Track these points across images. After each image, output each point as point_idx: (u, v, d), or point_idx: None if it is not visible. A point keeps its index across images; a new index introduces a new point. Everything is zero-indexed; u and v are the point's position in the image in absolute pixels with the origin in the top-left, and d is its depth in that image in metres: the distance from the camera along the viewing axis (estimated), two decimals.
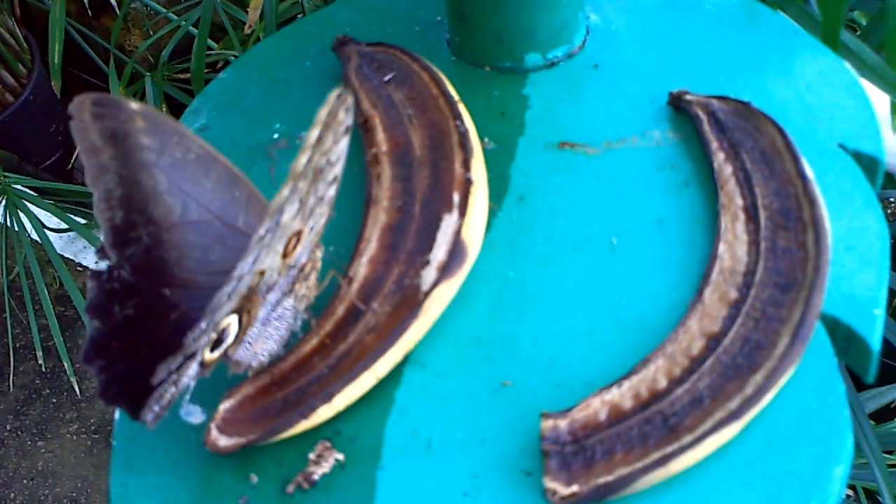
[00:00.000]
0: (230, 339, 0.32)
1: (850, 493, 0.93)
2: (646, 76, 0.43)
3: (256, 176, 0.41)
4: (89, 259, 1.34)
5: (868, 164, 0.38)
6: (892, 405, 0.85)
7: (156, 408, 0.31)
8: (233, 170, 0.35)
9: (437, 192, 0.37)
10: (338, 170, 0.31)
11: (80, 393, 1.24)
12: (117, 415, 0.35)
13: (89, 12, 1.45)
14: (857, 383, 0.33)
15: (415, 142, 0.39)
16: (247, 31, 0.88)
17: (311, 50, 0.46)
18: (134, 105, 0.33)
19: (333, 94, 0.29)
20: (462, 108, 0.40)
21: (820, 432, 0.31)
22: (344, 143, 0.30)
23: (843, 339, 0.34)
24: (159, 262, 0.33)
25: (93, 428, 1.23)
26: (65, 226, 1.08)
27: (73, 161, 1.46)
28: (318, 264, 0.34)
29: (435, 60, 0.43)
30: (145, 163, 0.33)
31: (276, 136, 0.43)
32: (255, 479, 0.32)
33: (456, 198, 0.36)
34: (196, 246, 0.33)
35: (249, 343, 0.33)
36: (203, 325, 0.30)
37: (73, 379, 1.15)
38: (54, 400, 1.25)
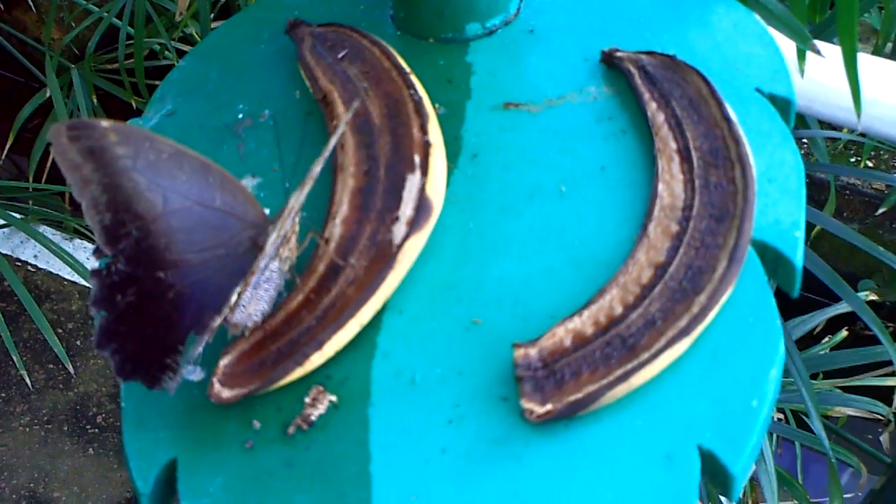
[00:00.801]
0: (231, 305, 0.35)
1: (780, 416, 0.99)
2: (578, 37, 0.46)
3: (227, 154, 0.44)
4: (27, 253, 1.35)
5: (782, 105, 0.43)
6: (815, 332, 0.91)
7: (176, 376, 0.35)
8: (203, 159, 0.39)
9: (399, 155, 0.40)
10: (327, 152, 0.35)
11: (31, 385, 1.25)
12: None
13: (1, 6, 1.45)
14: (783, 313, 0.37)
15: (373, 112, 0.43)
16: (178, 18, 0.90)
17: (265, 34, 0.49)
18: (104, 123, 0.37)
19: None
20: (414, 78, 0.43)
21: (756, 341, 0.35)
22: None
23: (772, 259, 0.38)
24: (150, 250, 0.37)
25: (45, 419, 1.24)
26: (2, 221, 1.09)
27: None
28: (297, 228, 0.38)
29: (382, 36, 0.47)
30: (123, 169, 0.37)
31: (240, 115, 0.46)
32: (257, 424, 0.36)
33: (417, 159, 0.40)
34: (181, 230, 0.37)
35: (244, 306, 0.36)
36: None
37: (22, 372, 1.16)
38: (3, 394, 1.26)
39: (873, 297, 1.15)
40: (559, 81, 0.45)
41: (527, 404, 0.34)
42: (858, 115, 0.53)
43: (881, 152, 1.57)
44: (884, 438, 1.07)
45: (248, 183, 0.43)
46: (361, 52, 0.45)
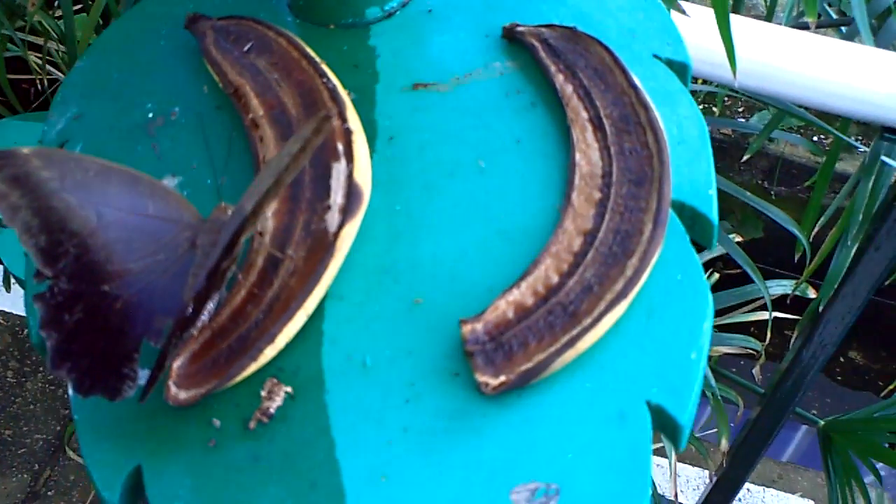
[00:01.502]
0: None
1: None
2: (476, 14, 0.47)
3: (142, 154, 0.44)
4: None
5: (679, 69, 0.45)
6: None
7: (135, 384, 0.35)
8: (129, 171, 0.39)
9: (322, 145, 0.41)
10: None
11: None
12: (71, 391, 0.37)
13: None
14: None
15: (287, 102, 0.43)
16: (30, 7, 0.87)
17: (163, 29, 0.49)
18: (25, 150, 0.38)
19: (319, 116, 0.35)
20: (325, 66, 0.44)
21: (687, 297, 0.37)
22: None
23: (689, 217, 0.40)
24: (91, 265, 0.37)
25: None
26: None
27: None
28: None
29: (281, 25, 0.47)
30: (52, 191, 0.37)
31: (150, 115, 0.45)
32: (217, 422, 0.36)
33: (340, 147, 0.40)
34: (119, 241, 0.37)
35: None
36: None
37: None
38: None
39: (738, 238, 1.21)
40: (464, 59, 0.46)
41: (481, 377, 0.35)
42: (734, 71, 0.56)
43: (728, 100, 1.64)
44: (756, 371, 1.13)
45: (169, 182, 0.43)
46: (268, 44, 0.45)
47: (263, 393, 0.36)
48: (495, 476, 0.34)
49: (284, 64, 0.44)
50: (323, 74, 0.43)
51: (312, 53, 0.44)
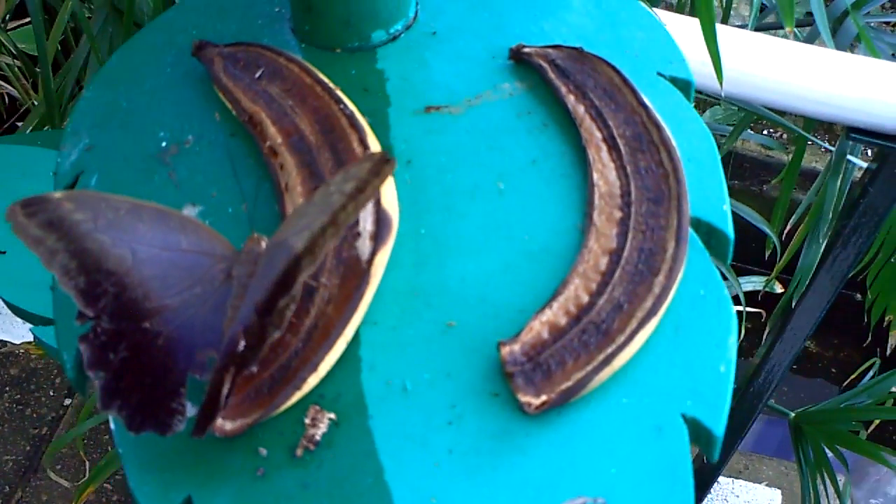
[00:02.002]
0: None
1: None
2: (480, 36, 0.48)
3: (160, 184, 0.44)
4: None
5: (683, 86, 0.46)
6: None
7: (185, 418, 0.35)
8: (159, 208, 0.40)
9: None
10: None
11: None
12: (113, 424, 0.38)
13: None
14: None
15: (304, 129, 0.44)
16: None
17: (168, 57, 0.49)
18: (57, 194, 0.38)
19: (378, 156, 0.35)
20: (340, 92, 0.44)
21: (711, 311, 0.39)
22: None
23: (705, 233, 0.42)
24: (130, 303, 0.37)
25: None
26: None
27: None
28: None
29: (286, 49, 0.47)
30: (85, 233, 0.38)
31: (164, 143, 0.46)
32: (264, 451, 0.37)
33: None
34: (155, 277, 0.38)
35: None
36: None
37: None
38: None
39: None
40: (473, 81, 0.47)
41: (523, 398, 0.36)
42: (720, 81, 0.57)
43: None
44: None
45: (190, 211, 0.43)
46: (279, 71, 0.46)
47: (307, 420, 0.37)
48: (543, 493, 0.35)
49: (298, 90, 0.45)
50: (339, 101, 0.44)
51: (326, 79, 0.45)
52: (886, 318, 1.18)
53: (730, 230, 0.41)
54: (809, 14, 0.86)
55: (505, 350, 0.37)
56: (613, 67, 0.45)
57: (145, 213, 0.39)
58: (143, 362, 0.36)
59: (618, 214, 0.41)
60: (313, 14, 0.48)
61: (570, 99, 0.45)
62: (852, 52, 0.88)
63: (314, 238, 0.34)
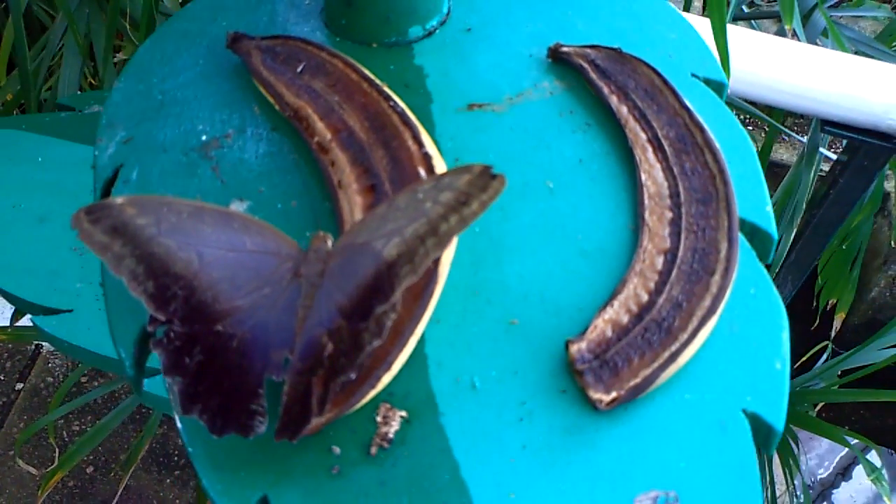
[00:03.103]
0: None
1: None
2: (515, 33, 0.49)
3: (203, 178, 0.44)
4: None
5: (716, 87, 0.48)
6: None
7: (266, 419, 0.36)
8: (221, 209, 0.40)
9: (400, 169, 0.42)
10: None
11: None
12: (180, 425, 0.38)
13: None
14: None
15: (353, 126, 0.44)
16: None
17: (200, 48, 0.49)
18: (119, 200, 0.38)
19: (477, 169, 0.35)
20: (388, 89, 0.45)
21: (763, 309, 0.40)
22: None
23: (748, 233, 0.43)
24: (201, 306, 0.37)
25: None
26: None
27: None
28: None
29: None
30: (150, 237, 0.38)
31: (203, 137, 0.45)
32: (337, 450, 0.37)
33: (422, 172, 0.41)
34: (223, 279, 0.38)
35: None
36: None
37: None
38: None
39: None
40: (513, 79, 0.47)
41: (594, 394, 0.37)
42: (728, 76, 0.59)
43: None
44: None
45: (238, 207, 0.43)
46: (322, 66, 0.46)
47: (379, 418, 0.38)
48: (617, 487, 0.36)
49: (344, 86, 0.45)
50: (388, 98, 0.44)
51: (372, 76, 0.45)
52: (829, 302, 1.22)
53: (774, 230, 0.43)
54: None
55: (573, 348, 0.38)
56: (653, 69, 0.46)
57: (207, 216, 0.39)
58: (219, 365, 0.37)
59: (668, 215, 0.42)
60: (352, 9, 0.48)
61: (613, 100, 0.46)
62: (819, 44, 0.90)
63: (411, 246, 0.35)
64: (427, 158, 0.42)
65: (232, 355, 0.37)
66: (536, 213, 0.43)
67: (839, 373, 1.03)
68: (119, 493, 1.13)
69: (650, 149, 0.44)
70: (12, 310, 1.32)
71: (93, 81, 0.93)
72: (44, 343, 1.30)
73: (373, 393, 0.37)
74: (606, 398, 0.37)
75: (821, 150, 0.84)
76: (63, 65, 0.83)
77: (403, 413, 0.38)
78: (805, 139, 0.86)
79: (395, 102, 0.44)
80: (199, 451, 0.37)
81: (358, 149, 0.43)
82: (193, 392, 0.36)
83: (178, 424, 0.38)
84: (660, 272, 0.40)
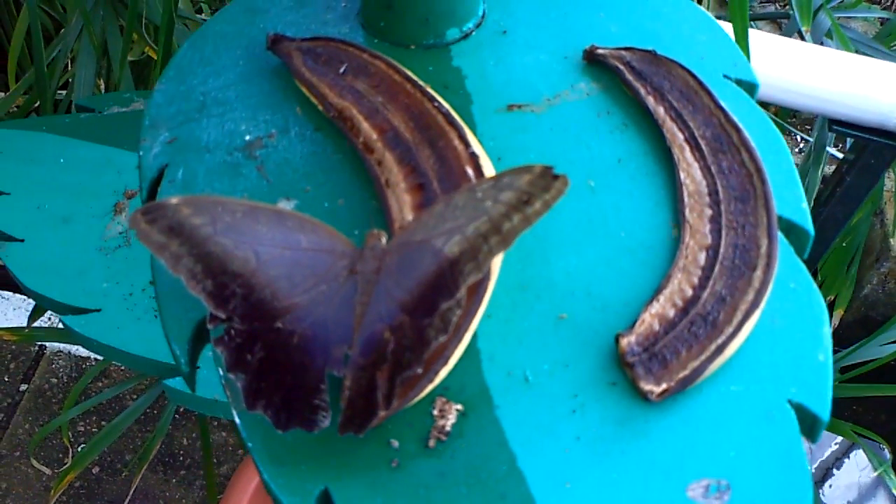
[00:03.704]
0: None
1: None
2: (550, 35, 0.50)
3: (249, 178, 0.45)
4: None
5: (748, 88, 0.49)
6: None
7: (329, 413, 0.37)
8: (275, 208, 0.41)
9: (447, 168, 0.43)
10: None
11: None
12: (238, 419, 0.39)
13: None
14: None
15: (398, 126, 0.45)
16: None
17: (239, 49, 0.49)
18: (174, 200, 0.39)
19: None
20: (431, 90, 0.46)
21: (803, 303, 0.42)
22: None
23: (784, 229, 0.44)
24: (260, 304, 0.38)
25: None
26: None
27: None
28: None
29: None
30: (206, 236, 0.39)
31: (247, 137, 0.46)
32: (395, 443, 0.38)
33: (470, 171, 0.42)
34: (280, 277, 0.39)
35: None
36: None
37: None
38: None
39: None
40: (550, 80, 0.48)
41: (646, 386, 0.38)
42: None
43: None
44: None
45: (285, 206, 0.44)
46: (364, 67, 0.47)
47: (435, 412, 0.39)
48: (669, 475, 0.37)
49: (387, 87, 0.46)
50: (432, 98, 0.45)
51: (414, 76, 0.46)
52: (828, 299, 1.24)
53: (810, 226, 0.44)
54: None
55: (624, 341, 0.39)
56: (688, 70, 0.47)
57: (262, 215, 0.40)
58: (280, 361, 0.37)
59: (708, 212, 0.43)
60: (392, 11, 0.49)
61: (650, 100, 0.47)
62: (823, 44, 0.92)
63: (473, 244, 0.36)
64: (474, 158, 0.43)
65: (293, 352, 0.38)
66: (579, 210, 0.44)
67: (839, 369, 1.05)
68: (131, 493, 1.13)
69: (687, 148, 0.45)
70: (28, 311, 1.32)
71: (98, 83, 0.93)
72: (47, 344, 1.30)
73: (430, 387, 0.38)
74: (657, 389, 0.38)
75: (828, 148, 0.85)
76: (78, 66, 0.84)
77: (459, 406, 0.39)
78: (809, 138, 0.88)
79: (439, 103, 0.45)
80: (258, 445, 0.38)
81: (404, 148, 0.44)
82: (257, 388, 0.37)
83: (237, 420, 0.39)
84: (702, 268, 0.42)
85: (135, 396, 1.25)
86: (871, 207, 1.02)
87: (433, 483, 0.37)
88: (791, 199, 0.44)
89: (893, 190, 1.34)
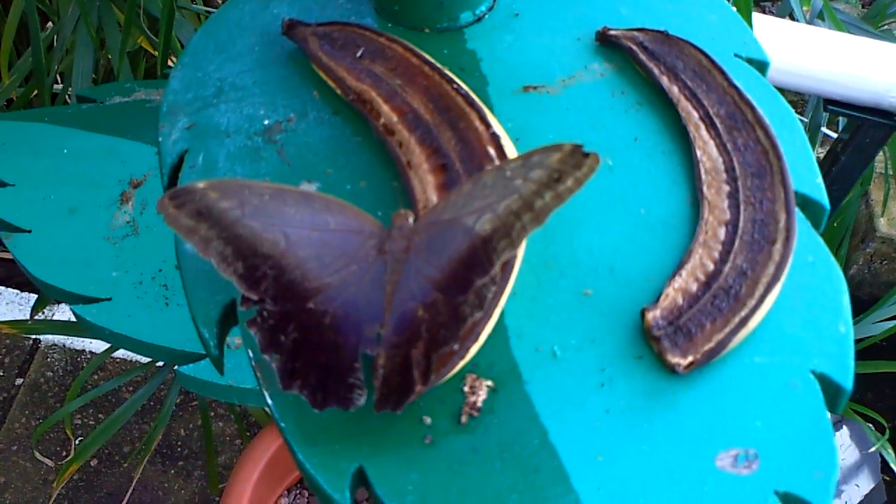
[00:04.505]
0: None
1: None
2: (562, 18, 0.51)
3: (269, 161, 0.46)
4: None
5: (759, 66, 0.49)
6: None
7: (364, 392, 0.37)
8: (301, 190, 0.41)
9: (470, 149, 0.43)
10: None
11: None
12: (270, 401, 0.39)
13: None
14: None
15: (418, 108, 0.45)
16: None
17: (253, 35, 0.50)
18: (200, 184, 0.39)
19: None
20: (450, 72, 0.46)
21: (822, 276, 0.42)
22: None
23: (800, 204, 0.45)
24: (291, 285, 0.39)
25: None
26: None
27: None
28: None
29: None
30: (235, 219, 0.39)
31: (266, 121, 0.47)
32: (428, 420, 0.38)
33: (492, 151, 0.43)
34: (310, 258, 0.39)
35: None
36: None
37: None
38: None
39: None
40: (564, 61, 0.49)
41: (673, 359, 0.39)
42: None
43: None
44: None
45: (307, 188, 0.44)
46: (381, 50, 0.47)
47: (466, 388, 0.39)
48: (698, 446, 0.38)
49: (404, 70, 0.47)
50: (451, 80, 0.46)
51: (432, 59, 0.47)
52: None
53: (826, 201, 0.45)
54: None
55: (649, 316, 0.40)
56: (700, 50, 0.48)
57: (289, 197, 0.40)
58: (314, 341, 0.38)
59: (726, 188, 0.44)
60: None
61: (664, 80, 0.47)
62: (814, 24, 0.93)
63: (506, 221, 0.36)
64: (495, 138, 0.43)
65: (326, 331, 0.38)
66: (599, 189, 0.45)
67: None
68: (134, 485, 1.13)
69: (703, 126, 0.46)
70: (21, 306, 1.32)
71: (94, 76, 0.93)
72: (41, 338, 1.30)
73: (461, 363, 0.39)
74: (684, 362, 0.39)
75: (822, 129, 0.86)
76: (76, 57, 0.84)
77: (490, 382, 0.39)
78: (804, 119, 0.89)
79: (458, 85, 0.45)
80: (291, 426, 0.39)
81: (425, 130, 0.44)
82: (292, 368, 0.37)
83: (269, 402, 0.39)
84: (722, 242, 0.42)
85: (130, 388, 1.26)
86: (863, 188, 1.03)
87: (467, 458, 0.38)
88: (806, 174, 0.45)
89: (881, 171, 1.35)
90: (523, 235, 0.36)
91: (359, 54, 0.47)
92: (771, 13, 1.08)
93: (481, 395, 0.39)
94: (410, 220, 0.40)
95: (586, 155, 0.36)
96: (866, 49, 0.80)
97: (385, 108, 0.45)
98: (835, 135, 0.87)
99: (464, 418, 0.39)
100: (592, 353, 0.40)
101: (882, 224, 1.47)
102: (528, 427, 0.38)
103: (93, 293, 0.65)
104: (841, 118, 0.89)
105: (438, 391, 0.39)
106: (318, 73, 0.48)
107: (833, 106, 0.82)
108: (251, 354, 0.40)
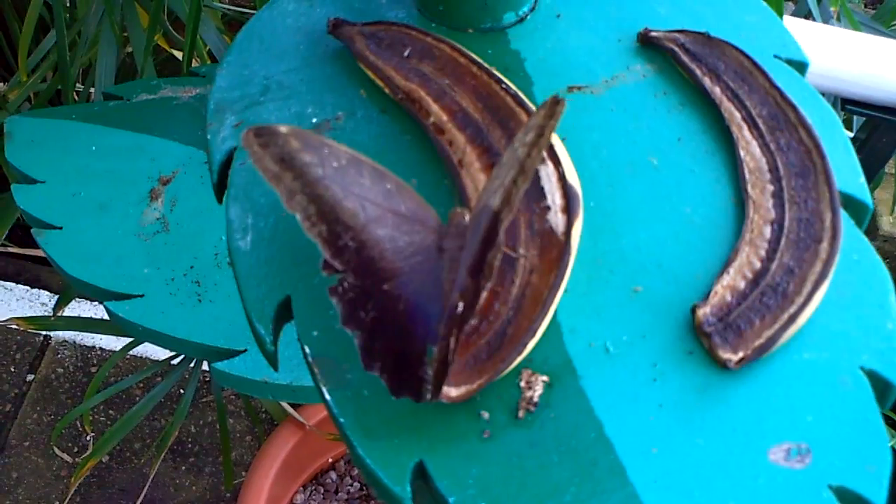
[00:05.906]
0: None
1: None
2: (602, 18, 0.51)
3: None
4: None
5: (798, 67, 0.50)
6: None
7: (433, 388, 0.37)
8: (377, 166, 0.40)
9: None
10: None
11: None
12: (328, 396, 0.40)
13: None
14: None
15: (468, 107, 0.46)
16: None
17: (298, 35, 0.50)
18: (283, 128, 0.38)
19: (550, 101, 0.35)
20: (497, 72, 0.47)
21: (867, 274, 0.43)
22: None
23: (843, 203, 0.46)
24: (369, 262, 0.38)
25: None
26: None
27: None
28: None
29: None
30: (317, 177, 0.38)
31: (314, 119, 0.47)
32: (486, 415, 0.39)
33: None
34: (385, 238, 0.39)
35: None
36: None
37: None
38: None
39: None
40: (606, 62, 0.50)
41: (724, 354, 0.40)
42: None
43: None
44: None
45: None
46: (429, 50, 0.48)
47: (522, 384, 0.40)
48: (751, 439, 0.39)
49: (452, 70, 0.47)
50: (500, 80, 0.46)
51: (479, 59, 0.47)
52: None
53: (869, 200, 0.45)
54: None
55: (700, 312, 0.41)
56: (741, 51, 0.48)
57: (365, 169, 0.39)
58: (390, 325, 0.38)
59: (770, 188, 0.45)
60: None
61: (706, 81, 0.48)
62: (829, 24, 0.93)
63: (508, 191, 0.36)
64: None
65: (400, 318, 0.38)
66: (644, 188, 0.45)
67: None
68: (149, 482, 1.14)
69: (745, 127, 0.46)
70: (31, 302, 1.32)
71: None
72: (51, 334, 1.30)
73: (519, 359, 0.40)
74: (735, 357, 0.40)
75: None
76: (99, 54, 0.84)
77: (545, 378, 0.40)
78: None
79: (506, 85, 0.46)
80: (350, 421, 0.39)
81: (475, 129, 0.45)
82: (371, 348, 0.37)
83: (327, 398, 0.40)
84: (769, 241, 0.43)
85: (140, 385, 1.26)
86: (874, 187, 1.04)
87: (525, 452, 0.38)
88: (849, 174, 0.46)
89: (886, 170, 1.36)
90: (518, 198, 0.36)
91: (406, 53, 0.48)
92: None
93: (537, 391, 0.40)
94: (466, 218, 0.41)
95: (557, 102, 0.36)
96: (885, 49, 0.81)
97: (434, 107, 0.46)
98: (850, 134, 0.88)
99: (521, 413, 0.39)
100: (644, 348, 0.41)
101: (886, 223, 1.48)
102: (584, 421, 0.39)
103: (125, 290, 0.65)
104: (856, 118, 0.90)
105: (495, 387, 0.40)
106: (364, 71, 0.49)
107: (851, 105, 0.83)
108: (307, 351, 0.40)
